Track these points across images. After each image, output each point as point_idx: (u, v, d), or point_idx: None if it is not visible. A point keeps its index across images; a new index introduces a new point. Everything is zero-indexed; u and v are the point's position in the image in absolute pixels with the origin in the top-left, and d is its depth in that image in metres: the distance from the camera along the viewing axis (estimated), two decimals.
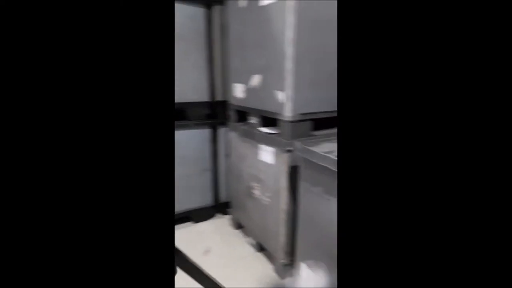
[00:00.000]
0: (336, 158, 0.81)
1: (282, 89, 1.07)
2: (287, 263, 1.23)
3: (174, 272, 0.45)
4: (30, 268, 0.38)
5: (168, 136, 0.43)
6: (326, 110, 1.17)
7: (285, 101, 1.07)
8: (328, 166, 0.84)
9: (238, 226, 1.66)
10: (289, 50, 1.01)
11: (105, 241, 0.41)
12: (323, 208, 0.94)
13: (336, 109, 1.20)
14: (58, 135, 0.39)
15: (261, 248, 1.44)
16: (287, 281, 1.22)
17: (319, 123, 1.19)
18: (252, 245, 1.49)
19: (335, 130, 1.25)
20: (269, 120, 1.26)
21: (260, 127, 1.28)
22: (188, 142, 1.63)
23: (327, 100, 1.16)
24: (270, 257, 1.36)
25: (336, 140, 1.05)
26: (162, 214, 0.43)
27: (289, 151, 1.09)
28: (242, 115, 1.43)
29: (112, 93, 0.40)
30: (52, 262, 0.39)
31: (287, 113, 1.08)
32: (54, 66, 0.38)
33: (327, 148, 0.91)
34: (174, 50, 0.45)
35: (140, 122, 0.41)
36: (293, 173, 1.12)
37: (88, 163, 0.40)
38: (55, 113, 0.38)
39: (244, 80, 1.33)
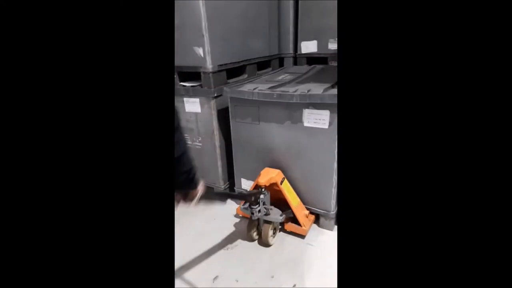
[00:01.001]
0: (261, 92, 1.16)
1: (201, 45, 1.27)
2: (227, 187, 1.57)
3: (173, 272, 0.47)
4: (30, 267, 0.37)
5: (168, 125, 0.46)
6: (234, 61, 1.46)
7: (206, 55, 1.28)
8: (256, 99, 1.17)
9: None
10: (203, 10, 1.20)
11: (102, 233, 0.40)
12: (253, 132, 1.30)
13: (241, 59, 1.52)
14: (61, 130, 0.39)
15: None
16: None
17: (229, 72, 1.48)
18: None
19: (243, 77, 1.58)
20: (186, 75, 1.43)
21: (180, 82, 1.43)
22: None
23: (234, 53, 1.46)
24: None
25: (250, 82, 1.38)
26: (162, 207, 0.43)
27: (216, 97, 1.34)
28: None
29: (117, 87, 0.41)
30: (50, 251, 0.38)
31: (209, 65, 1.30)
32: (58, 45, 0.38)
33: (250, 87, 1.23)
34: (174, 42, 0.53)
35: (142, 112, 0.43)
36: (220, 115, 1.40)
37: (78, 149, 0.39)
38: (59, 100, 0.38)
39: None
